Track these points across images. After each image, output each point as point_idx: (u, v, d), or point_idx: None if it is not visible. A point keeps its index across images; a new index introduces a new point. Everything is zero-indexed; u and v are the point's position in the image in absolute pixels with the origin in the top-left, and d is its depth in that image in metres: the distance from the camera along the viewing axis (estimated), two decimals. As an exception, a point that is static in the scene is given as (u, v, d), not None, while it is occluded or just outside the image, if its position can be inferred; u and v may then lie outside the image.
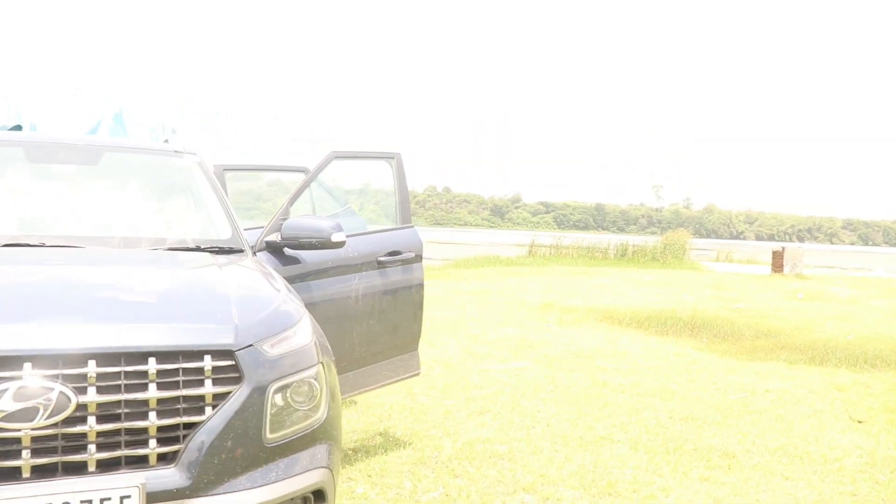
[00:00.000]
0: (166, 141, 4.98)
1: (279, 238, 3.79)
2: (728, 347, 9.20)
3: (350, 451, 4.43)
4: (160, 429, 2.15)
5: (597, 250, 26.65)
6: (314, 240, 3.77)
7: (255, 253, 3.72)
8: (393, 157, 4.60)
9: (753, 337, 10.15)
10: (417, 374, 4.64)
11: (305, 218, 3.85)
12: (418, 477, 4.08)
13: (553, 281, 17.21)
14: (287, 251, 3.88)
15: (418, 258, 4.52)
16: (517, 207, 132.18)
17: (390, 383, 4.50)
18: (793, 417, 5.71)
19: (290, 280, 3.83)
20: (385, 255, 4.34)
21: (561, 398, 5.95)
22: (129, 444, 2.13)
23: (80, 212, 3.58)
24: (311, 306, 3.87)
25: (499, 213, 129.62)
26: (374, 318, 4.27)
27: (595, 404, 5.80)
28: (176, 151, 3.96)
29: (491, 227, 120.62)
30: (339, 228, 3.81)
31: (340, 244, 3.83)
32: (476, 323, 10.08)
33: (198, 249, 3.37)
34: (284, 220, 3.84)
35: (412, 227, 4.60)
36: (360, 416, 5.20)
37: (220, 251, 3.41)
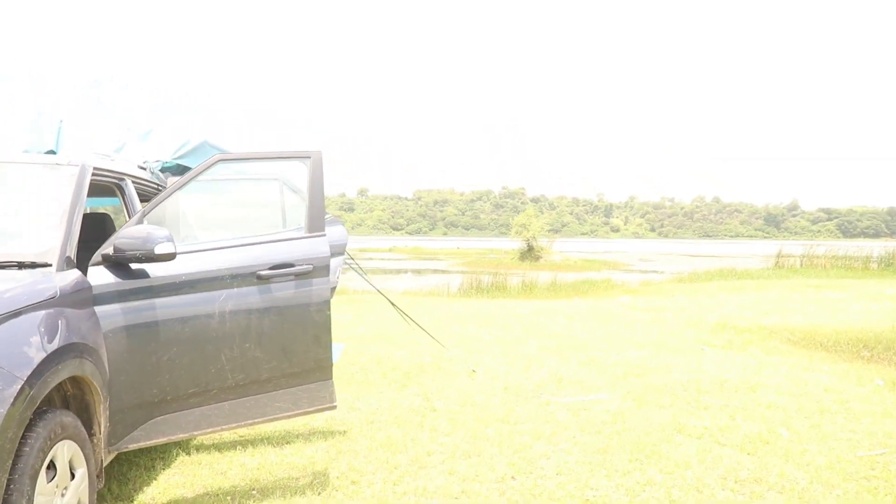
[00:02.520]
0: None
1: (112, 251, 3.32)
2: (945, 381, 6.93)
3: (253, 493, 3.78)
4: None
5: (856, 259, 22.68)
6: (138, 252, 3.27)
7: (80, 268, 3.27)
8: (309, 157, 3.91)
9: None
10: (333, 408, 3.83)
11: (137, 228, 3.34)
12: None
13: (768, 296, 14.78)
14: (133, 266, 3.38)
15: (320, 272, 3.76)
16: (794, 215, 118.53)
17: (288, 416, 3.76)
18: (928, 491, 3.93)
19: (126, 296, 3.32)
20: (268, 269, 3.66)
21: (597, 443, 4.72)
22: None
23: None
24: (152, 325, 3.35)
25: (773, 223, 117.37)
26: (252, 342, 3.59)
27: (638, 454, 4.50)
28: (56, 164, 3.66)
29: (765, 237, 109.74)
30: (166, 239, 3.27)
31: (167, 257, 3.30)
32: (610, 344, 8.77)
33: None
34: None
35: (322, 235, 3.85)
36: (310, 453, 4.50)
37: (20, 266, 3.07)
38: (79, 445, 2.92)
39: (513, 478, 4.07)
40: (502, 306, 14.11)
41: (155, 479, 4.01)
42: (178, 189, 3.65)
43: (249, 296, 3.58)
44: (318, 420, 5.22)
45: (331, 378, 3.81)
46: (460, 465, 4.24)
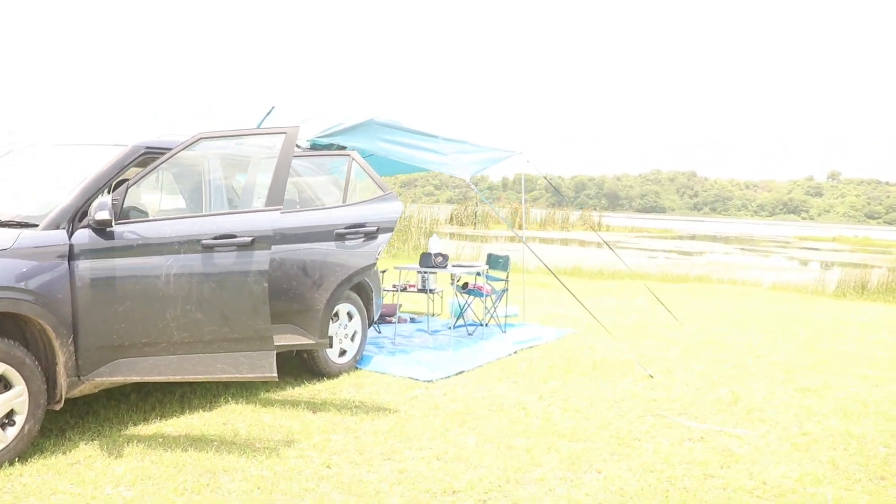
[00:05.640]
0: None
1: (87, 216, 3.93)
2: None
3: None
4: None
5: None
6: (89, 219, 3.85)
7: (68, 230, 3.88)
8: (285, 133, 4.05)
9: None
10: (272, 378, 3.92)
11: (102, 197, 3.86)
12: None
13: None
14: (108, 229, 3.91)
15: (261, 244, 3.87)
16: None
17: (229, 379, 4.01)
18: None
19: (96, 254, 3.89)
20: (212, 239, 3.88)
21: (636, 482, 3.84)
22: None
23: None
24: (111, 280, 3.91)
25: None
26: (193, 304, 3.89)
27: (651, 505, 3.58)
28: (116, 144, 4.43)
29: None
30: (102, 207, 3.74)
31: (104, 223, 3.80)
32: (888, 372, 6.74)
33: None
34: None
35: (277, 210, 3.94)
36: (325, 424, 4.54)
37: (19, 225, 3.88)
38: (13, 366, 3.58)
39: (454, 492, 3.62)
40: (848, 311, 11.70)
41: (182, 414, 4.58)
42: (161, 164, 4.10)
43: (193, 262, 3.90)
44: (395, 395, 5.30)
45: (272, 350, 3.92)
46: (419, 467, 3.89)
